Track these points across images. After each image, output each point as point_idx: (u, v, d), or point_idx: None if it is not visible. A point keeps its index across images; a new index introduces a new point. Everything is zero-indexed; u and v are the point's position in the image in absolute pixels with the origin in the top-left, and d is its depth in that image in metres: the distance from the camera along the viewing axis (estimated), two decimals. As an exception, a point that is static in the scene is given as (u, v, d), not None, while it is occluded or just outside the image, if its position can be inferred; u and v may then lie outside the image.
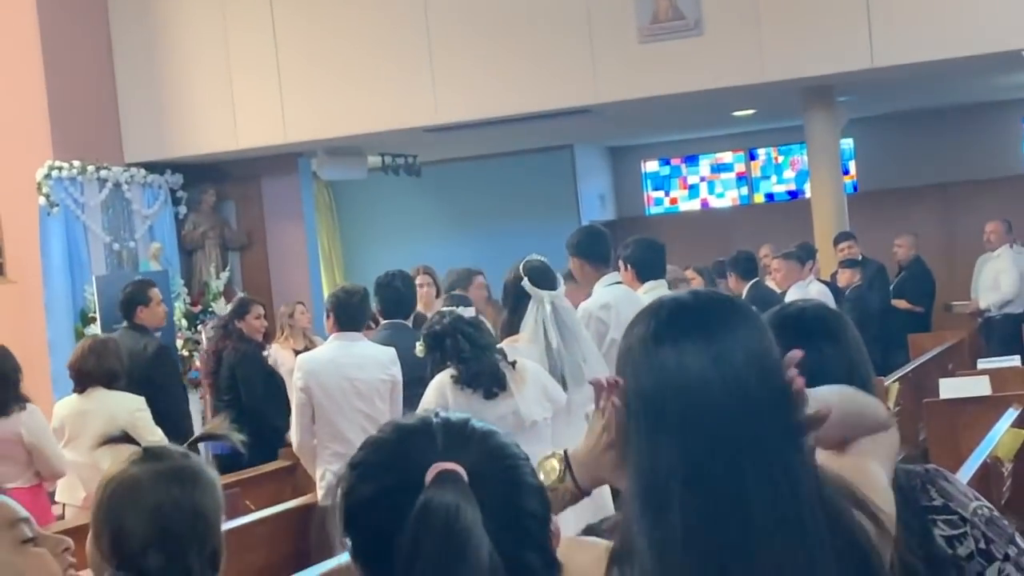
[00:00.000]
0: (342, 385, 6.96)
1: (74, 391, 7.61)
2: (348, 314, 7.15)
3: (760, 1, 11.99)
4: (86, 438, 7.17)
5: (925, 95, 16.02)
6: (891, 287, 14.05)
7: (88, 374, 7.47)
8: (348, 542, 1.68)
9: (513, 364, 6.06)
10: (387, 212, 18.56)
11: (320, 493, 7.04)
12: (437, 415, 1.70)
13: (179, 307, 13.25)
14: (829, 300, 9.45)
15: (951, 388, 8.18)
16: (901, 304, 13.77)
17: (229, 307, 10.16)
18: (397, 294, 7.73)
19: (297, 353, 10.16)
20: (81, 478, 7.26)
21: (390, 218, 18.60)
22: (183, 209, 14.23)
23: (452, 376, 6.00)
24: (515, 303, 6.55)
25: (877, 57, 11.76)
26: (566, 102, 12.78)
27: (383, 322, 7.78)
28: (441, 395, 5.94)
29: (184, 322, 13.16)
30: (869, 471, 2.09)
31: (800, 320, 2.52)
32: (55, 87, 12.83)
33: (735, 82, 12.29)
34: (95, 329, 12.03)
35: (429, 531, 1.53)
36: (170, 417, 8.01)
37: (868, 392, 2.42)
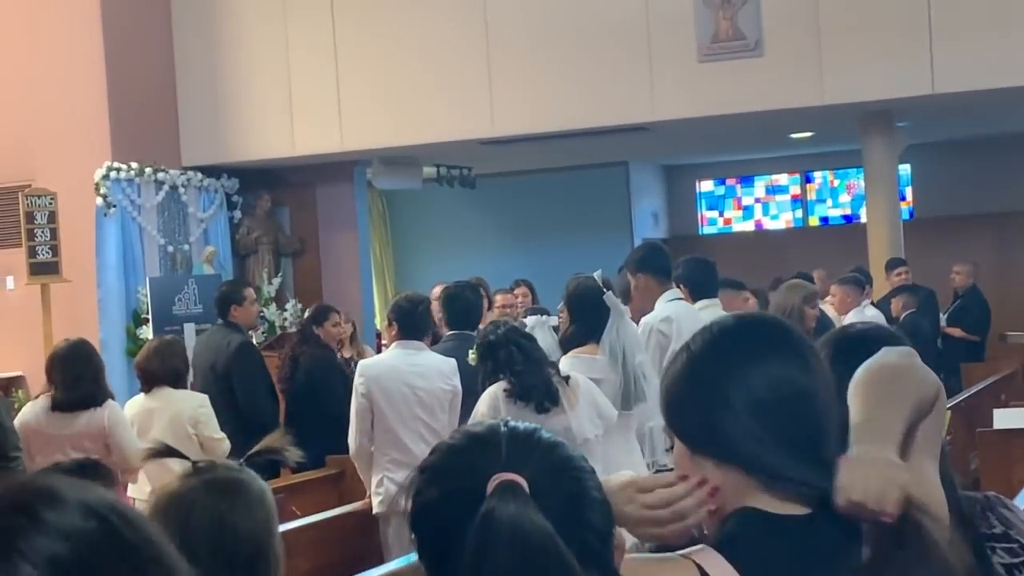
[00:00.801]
0: (404, 392, 6.99)
1: (141, 390, 7.80)
2: (411, 323, 7.18)
3: (821, 23, 11.93)
4: (153, 435, 7.40)
5: (985, 123, 15.90)
6: (945, 314, 13.92)
7: (153, 374, 7.65)
8: (415, 542, 1.68)
9: (567, 380, 6.05)
10: (440, 223, 18.59)
11: (375, 500, 7.04)
12: (506, 424, 1.71)
13: (231, 311, 13.30)
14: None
15: (1005, 419, 8.11)
16: (956, 332, 13.64)
17: (307, 313, 10.26)
18: (467, 305, 7.77)
19: (344, 361, 10.21)
20: (148, 474, 7.41)
21: (443, 229, 18.63)
22: (238, 214, 14.31)
23: (505, 389, 5.99)
24: (588, 315, 6.51)
25: (938, 83, 11.67)
26: (623, 119, 12.76)
27: (448, 332, 7.80)
28: (494, 408, 5.92)
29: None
30: (926, 481, 2.10)
31: (863, 342, 2.49)
32: (116, 89, 12.93)
33: (794, 104, 12.23)
34: (147, 330, 12.12)
35: (494, 541, 1.54)
36: (248, 411, 8.43)
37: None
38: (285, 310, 13.91)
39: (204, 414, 7.63)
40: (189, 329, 11.75)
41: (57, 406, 7.12)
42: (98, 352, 7.50)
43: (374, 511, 7.04)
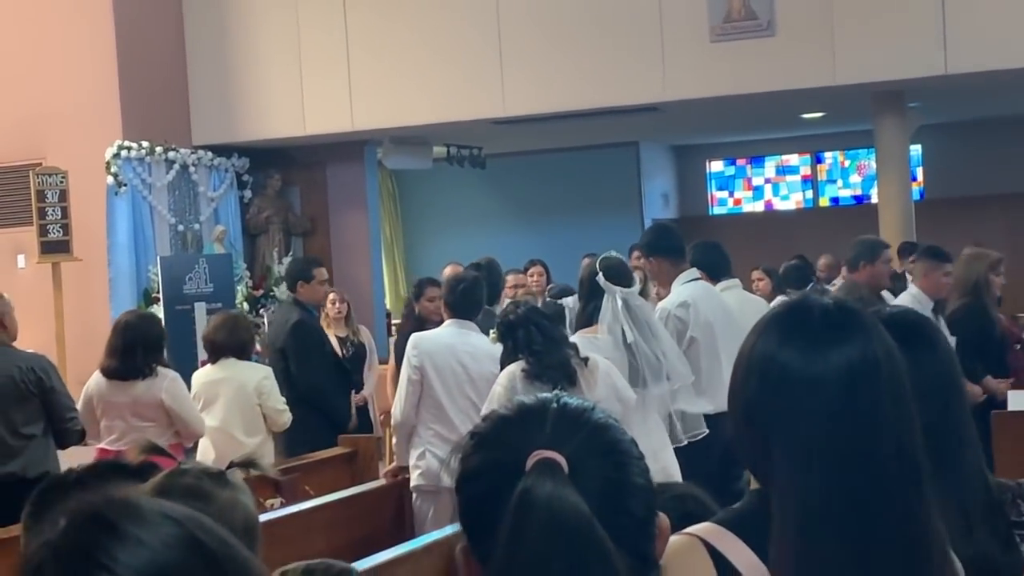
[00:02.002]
0: (455, 370, 7.07)
1: (208, 361, 8.13)
2: (464, 302, 7.23)
3: (834, 4, 11.89)
4: (218, 405, 7.82)
5: (997, 103, 15.84)
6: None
7: (220, 345, 7.93)
8: (457, 505, 1.69)
9: (585, 361, 6.06)
10: (450, 203, 18.58)
11: (414, 473, 7.09)
12: (559, 400, 1.70)
13: (241, 290, 13.32)
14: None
15: (1019, 400, 8.07)
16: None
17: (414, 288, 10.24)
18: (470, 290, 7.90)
19: (339, 340, 10.18)
20: (213, 442, 7.79)
21: (453, 209, 18.62)
22: (248, 193, 14.30)
23: (523, 369, 6.00)
24: (589, 297, 6.63)
25: (951, 64, 11.63)
26: (634, 99, 12.72)
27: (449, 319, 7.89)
28: (511, 388, 5.94)
29: (246, 305, 13.22)
30: None
31: (891, 326, 2.46)
32: (127, 68, 12.92)
33: (806, 84, 12.19)
34: (158, 309, 12.12)
35: (530, 520, 1.54)
36: (302, 387, 8.71)
37: (961, 398, 2.39)
38: (295, 289, 13.90)
39: (267, 386, 7.93)
40: (200, 308, 11.76)
41: (105, 373, 7.43)
42: (161, 327, 7.78)
43: (412, 484, 7.09)
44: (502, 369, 6.18)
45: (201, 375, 8.10)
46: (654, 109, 13.18)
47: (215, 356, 7.99)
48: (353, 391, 9.79)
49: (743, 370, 1.98)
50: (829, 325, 1.95)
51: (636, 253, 10.36)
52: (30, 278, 12.42)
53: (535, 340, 6.00)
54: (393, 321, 14.84)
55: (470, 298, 7.26)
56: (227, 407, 7.83)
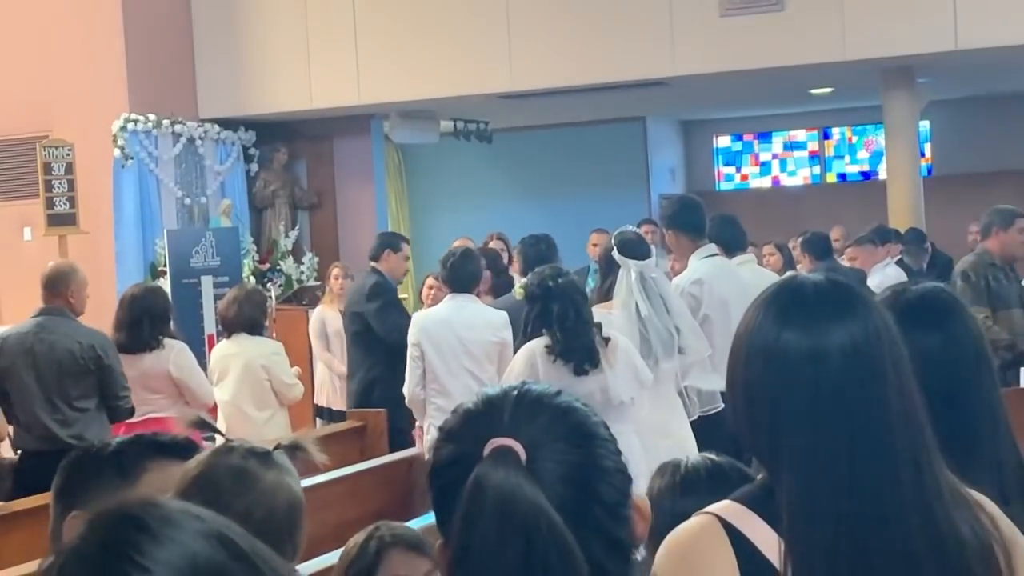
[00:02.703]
0: (452, 343, 7.14)
1: (221, 336, 8.36)
2: (459, 276, 7.29)
3: (844, -22, 11.85)
4: (229, 379, 8.01)
5: (1007, 79, 15.78)
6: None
7: (232, 321, 8.10)
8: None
9: (607, 341, 6.05)
10: (456, 177, 18.54)
11: (425, 446, 7.24)
12: (521, 388, 1.69)
13: (247, 264, 13.29)
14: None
15: (1033, 377, 8.06)
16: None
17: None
18: (540, 254, 7.96)
19: (343, 314, 10.16)
20: (224, 416, 7.95)
21: (459, 184, 18.57)
22: (255, 166, 14.27)
23: (546, 346, 5.99)
24: (607, 271, 6.66)
25: (961, 39, 11.59)
26: (642, 74, 12.69)
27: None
28: (531, 365, 5.94)
29: (252, 279, 13.18)
30: None
31: (919, 303, 2.45)
32: (133, 41, 12.87)
33: (815, 60, 12.16)
34: (164, 283, 12.10)
35: (481, 508, 1.53)
36: (384, 338, 8.62)
37: (992, 374, 2.38)
38: (302, 263, 13.89)
39: (276, 362, 8.09)
40: (206, 282, 11.73)
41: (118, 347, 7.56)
42: (167, 299, 7.97)
43: (425, 458, 7.17)
44: (524, 327, 6.17)
45: (217, 350, 8.28)
46: (662, 84, 13.14)
47: (228, 331, 8.14)
48: None
49: (743, 353, 1.97)
50: (825, 301, 1.95)
51: (645, 228, 10.35)
52: (36, 251, 12.39)
53: (568, 317, 5.98)
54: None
55: (460, 272, 7.30)
56: (237, 382, 7.98)
